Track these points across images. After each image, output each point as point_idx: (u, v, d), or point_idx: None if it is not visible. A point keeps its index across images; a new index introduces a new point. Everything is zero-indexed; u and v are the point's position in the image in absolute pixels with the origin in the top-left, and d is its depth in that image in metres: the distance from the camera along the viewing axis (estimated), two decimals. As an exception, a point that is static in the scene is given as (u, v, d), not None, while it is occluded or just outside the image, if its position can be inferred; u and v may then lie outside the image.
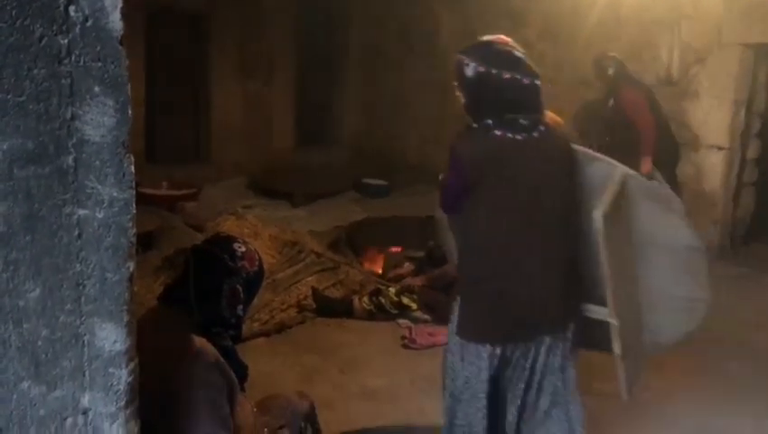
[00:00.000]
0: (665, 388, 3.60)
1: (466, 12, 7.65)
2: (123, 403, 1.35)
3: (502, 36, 2.30)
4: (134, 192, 1.30)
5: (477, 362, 2.27)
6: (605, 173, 2.42)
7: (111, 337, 1.32)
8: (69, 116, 1.21)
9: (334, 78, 8.82)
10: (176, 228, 5.29)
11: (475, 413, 2.31)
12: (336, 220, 6.39)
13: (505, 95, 2.22)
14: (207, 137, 7.79)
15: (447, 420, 2.39)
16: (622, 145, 5.07)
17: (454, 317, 2.35)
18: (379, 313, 4.33)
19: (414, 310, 4.35)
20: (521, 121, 2.23)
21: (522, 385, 2.34)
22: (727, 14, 5.54)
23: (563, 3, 6.68)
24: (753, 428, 3.21)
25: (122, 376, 1.34)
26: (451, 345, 2.37)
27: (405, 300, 4.36)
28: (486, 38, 2.30)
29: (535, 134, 2.25)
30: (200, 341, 1.80)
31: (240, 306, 1.93)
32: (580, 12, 6.54)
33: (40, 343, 1.25)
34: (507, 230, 2.24)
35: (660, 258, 2.51)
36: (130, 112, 1.28)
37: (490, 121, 2.23)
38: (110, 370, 1.33)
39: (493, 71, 2.20)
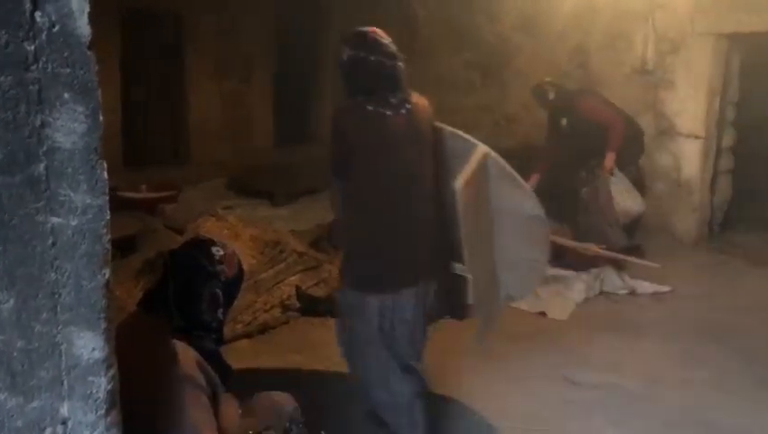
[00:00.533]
0: (650, 375, 3.63)
1: (443, 9, 7.66)
2: (103, 411, 1.34)
3: (374, 28, 2.70)
4: (107, 198, 1.29)
5: (369, 315, 2.65)
6: (467, 149, 2.84)
7: (89, 345, 1.31)
8: (38, 123, 1.19)
9: (313, 75, 8.79)
10: (156, 231, 5.25)
11: (383, 361, 2.71)
12: (318, 218, 6.36)
13: (372, 75, 2.62)
14: (185, 138, 7.73)
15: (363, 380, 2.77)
16: (588, 150, 5.41)
17: (345, 275, 2.77)
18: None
19: None
20: (390, 99, 2.63)
21: (401, 326, 2.72)
22: (699, 4, 5.59)
23: (538, -5, 6.71)
24: (737, 414, 3.25)
25: (101, 384, 1.33)
26: (343, 306, 2.77)
27: None
28: (359, 28, 2.70)
29: (402, 111, 2.65)
30: (180, 345, 1.79)
31: (221, 310, 1.92)
32: (554, 3, 6.58)
33: (15, 353, 1.23)
34: (382, 193, 2.63)
35: (511, 224, 2.96)
36: (101, 118, 1.27)
37: (363, 98, 2.62)
38: (89, 378, 1.32)
39: (361, 55, 2.61)
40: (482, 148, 2.86)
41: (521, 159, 7.03)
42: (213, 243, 1.97)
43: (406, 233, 2.66)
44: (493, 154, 2.88)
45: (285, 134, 8.48)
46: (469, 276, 2.77)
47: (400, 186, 2.64)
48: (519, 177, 2.94)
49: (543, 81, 5.76)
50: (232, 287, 1.96)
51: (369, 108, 2.60)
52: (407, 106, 2.66)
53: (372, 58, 2.60)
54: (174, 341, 1.80)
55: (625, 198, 5.34)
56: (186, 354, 1.79)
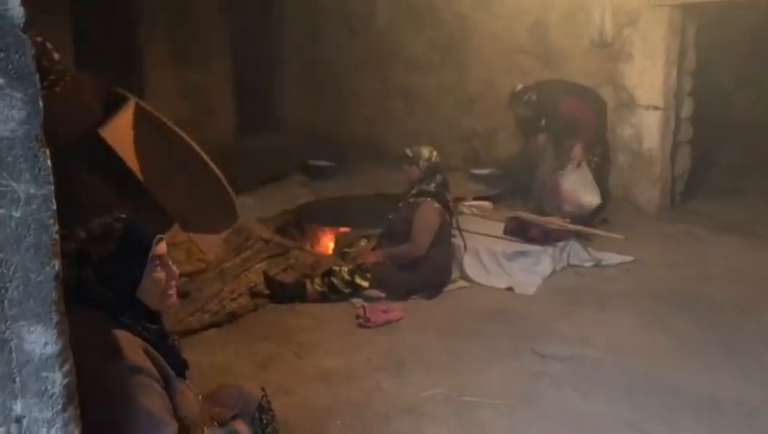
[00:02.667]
0: (617, 345, 3.68)
1: (400, -13, 7.60)
2: (60, 407, 1.30)
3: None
4: (52, 187, 1.24)
5: None
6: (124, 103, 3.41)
7: (41, 340, 1.27)
8: (-29, 111, 1.14)
9: (273, 60, 8.68)
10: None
11: None
12: (284, 204, 6.33)
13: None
14: (144, 129, 7.57)
15: None
16: (559, 139, 5.70)
17: None
18: (332, 293, 4.30)
19: (366, 288, 4.34)
20: (49, 76, 3.01)
21: None
22: (654, -24, 5.63)
23: (495, -28, 6.69)
24: (702, 380, 3.31)
25: (56, 379, 1.29)
26: None
27: (357, 279, 4.34)
28: None
29: (57, 88, 3.08)
30: (123, 335, 1.74)
31: (103, 289, 1.79)
32: (513, -21, 6.56)
33: (-38, 352, 1.19)
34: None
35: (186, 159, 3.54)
36: (41, 104, 1.22)
37: None
38: (43, 374, 1.28)
39: None
40: (132, 101, 3.46)
41: (484, 138, 7.11)
42: (103, 222, 1.85)
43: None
44: (142, 103, 3.51)
45: (248, 121, 8.37)
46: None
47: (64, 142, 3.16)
48: (166, 120, 3.53)
49: (519, 90, 5.87)
50: (113, 262, 1.80)
51: None
52: (66, 79, 3.16)
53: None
54: (117, 331, 1.75)
55: (583, 192, 5.50)
56: (131, 344, 1.74)
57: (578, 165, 5.54)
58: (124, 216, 1.91)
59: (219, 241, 4.51)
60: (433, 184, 4.54)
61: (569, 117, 5.61)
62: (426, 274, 4.44)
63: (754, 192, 6.05)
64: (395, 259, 4.42)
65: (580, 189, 5.49)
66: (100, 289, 1.79)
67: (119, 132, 3.35)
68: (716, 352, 3.58)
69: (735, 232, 5.48)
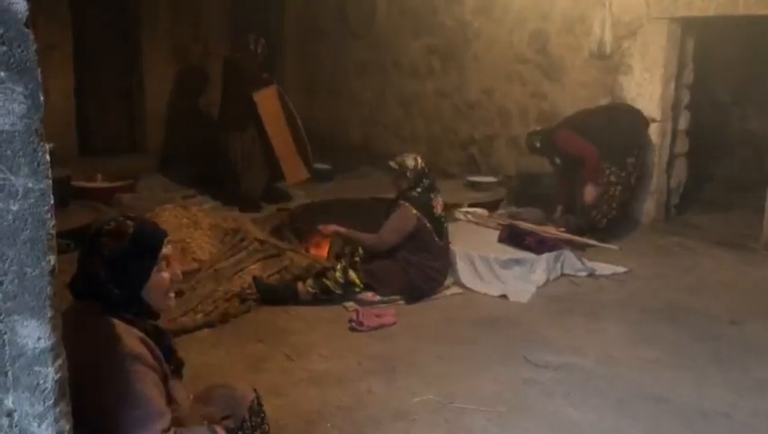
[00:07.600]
0: (608, 355, 3.69)
1: (402, -8, 7.62)
2: (51, 402, 1.30)
3: None
4: (50, 181, 1.25)
5: None
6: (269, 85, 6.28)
7: (34, 334, 1.27)
8: (-28, 104, 1.14)
9: (273, 60, 8.68)
10: (113, 221, 5.13)
11: None
12: (279, 205, 6.33)
13: None
14: (142, 126, 7.58)
15: None
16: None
17: None
18: (323, 295, 4.29)
19: (361, 288, 4.33)
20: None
21: None
22: (653, -11, 5.65)
23: (497, -20, 6.71)
24: (692, 391, 3.32)
25: (48, 374, 1.29)
26: None
27: (352, 275, 4.32)
28: None
29: None
30: (122, 325, 1.76)
31: (110, 285, 1.80)
32: (513, -13, 6.59)
33: (-45, 344, 1.19)
34: None
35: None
36: (42, 99, 1.22)
37: None
38: (35, 368, 1.28)
39: None
40: (274, 85, 6.36)
41: (481, 145, 7.12)
42: (114, 219, 1.88)
43: None
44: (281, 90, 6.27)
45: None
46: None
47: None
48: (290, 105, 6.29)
49: (531, 132, 5.88)
50: (120, 259, 1.81)
51: None
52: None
53: None
54: (114, 320, 1.77)
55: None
56: (128, 332, 1.75)
57: (594, 203, 5.45)
58: (134, 216, 1.94)
59: (213, 242, 4.52)
60: (418, 189, 4.50)
61: (569, 151, 5.53)
62: (414, 277, 4.42)
63: (748, 206, 6.06)
64: (355, 241, 4.45)
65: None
66: (107, 286, 1.80)
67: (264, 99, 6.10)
68: (706, 363, 3.59)
69: (728, 246, 5.50)
